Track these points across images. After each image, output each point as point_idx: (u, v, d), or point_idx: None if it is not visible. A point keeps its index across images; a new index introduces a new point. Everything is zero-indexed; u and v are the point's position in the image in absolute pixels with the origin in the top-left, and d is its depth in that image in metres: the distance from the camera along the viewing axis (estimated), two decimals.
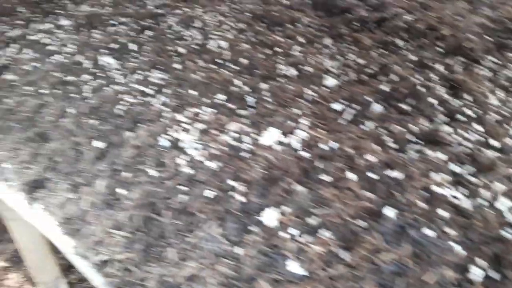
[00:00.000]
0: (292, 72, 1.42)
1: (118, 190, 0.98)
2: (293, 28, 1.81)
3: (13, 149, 1.27)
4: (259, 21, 1.93)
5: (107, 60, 1.48)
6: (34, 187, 1.14)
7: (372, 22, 1.80)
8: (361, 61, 1.46)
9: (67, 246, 1.01)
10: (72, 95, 1.35)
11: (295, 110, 1.12)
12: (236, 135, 1.04)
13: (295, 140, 0.98)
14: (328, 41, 1.69)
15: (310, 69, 1.42)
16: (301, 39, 1.69)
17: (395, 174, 0.86)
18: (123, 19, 1.93)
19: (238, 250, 0.81)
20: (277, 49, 1.57)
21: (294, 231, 0.80)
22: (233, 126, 1.07)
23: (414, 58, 1.45)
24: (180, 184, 0.94)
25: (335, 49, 1.62)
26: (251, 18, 1.94)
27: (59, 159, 1.14)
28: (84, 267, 0.95)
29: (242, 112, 1.17)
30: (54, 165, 1.14)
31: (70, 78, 1.42)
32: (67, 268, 2.20)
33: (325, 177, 0.87)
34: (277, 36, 1.69)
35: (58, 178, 1.11)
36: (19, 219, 1.62)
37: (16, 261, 2.36)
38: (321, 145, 0.96)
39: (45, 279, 1.85)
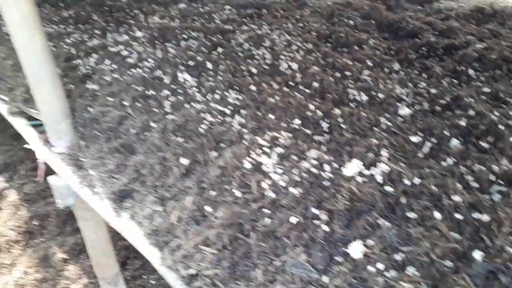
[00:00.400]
0: (363, 97, 1.44)
1: (206, 208, 1.04)
2: (360, 50, 1.84)
3: (99, 158, 1.37)
4: (325, 41, 1.97)
5: (185, 77, 1.56)
6: (121, 197, 1.22)
7: (440, 49, 1.80)
8: (432, 90, 1.46)
9: (153, 256, 1.08)
10: (154, 109, 1.43)
11: (374, 140, 1.15)
12: (317, 163, 1.08)
13: (377, 173, 1.01)
14: (396, 66, 1.70)
15: (382, 96, 1.44)
16: (369, 63, 1.71)
17: (482, 217, 0.87)
18: (193, 33, 2.02)
19: (326, 279, 0.85)
20: (346, 72, 1.61)
21: (381, 266, 0.83)
22: (312, 153, 1.11)
23: (487, 90, 1.44)
24: (264, 207, 0.99)
25: (404, 75, 1.63)
26: (317, 38, 1.98)
27: (145, 172, 1.22)
28: (172, 279, 1.01)
29: (319, 138, 1.21)
30: (140, 177, 1.23)
31: (150, 92, 1.51)
32: (122, 265, 2.31)
33: (411, 214, 0.90)
34: (345, 59, 1.72)
35: (145, 190, 1.19)
36: (89, 220, 1.73)
37: (74, 253, 2.50)
38: (405, 180, 0.99)
39: (106, 275, 1.96)
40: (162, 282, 2.34)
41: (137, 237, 1.13)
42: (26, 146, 1.66)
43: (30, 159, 3.12)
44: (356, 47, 1.87)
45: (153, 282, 2.31)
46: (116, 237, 1.87)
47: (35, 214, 2.72)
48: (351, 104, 1.42)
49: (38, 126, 1.76)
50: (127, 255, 2.43)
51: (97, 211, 1.30)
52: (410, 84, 1.53)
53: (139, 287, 2.26)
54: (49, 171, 1.62)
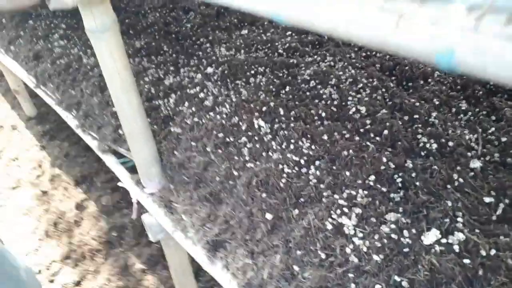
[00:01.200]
0: (433, 146, 1.50)
1: (294, 267, 1.18)
2: (425, 85, 1.88)
3: (190, 204, 1.54)
4: (390, 74, 2.02)
5: (260, 123, 1.69)
6: (213, 246, 1.38)
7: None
8: (503, 138, 1.50)
9: None
10: (234, 157, 1.58)
11: (448, 203, 1.22)
12: (395, 227, 1.18)
13: (454, 242, 1.10)
14: (464, 105, 1.73)
15: (451, 144, 1.50)
16: (436, 101, 1.76)
17: None
18: (260, 69, 2.14)
19: None
20: (415, 115, 1.66)
21: None
22: (391, 216, 1.21)
23: None
24: (349, 273, 1.11)
25: (472, 116, 1.66)
26: (381, 71, 2.04)
27: (234, 224, 1.37)
28: None
29: (395, 196, 1.30)
30: (230, 228, 1.38)
31: (230, 139, 1.65)
32: (195, 276, 2.51)
33: None
34: (412, 98, 1.78)
35: (236, 242, 1.34)
36: (172, 247, 1.92)
37: (151, 264, 2.75)
38: (481, 251, 1.07)
39: None
40: None
41: (230, 284, 1.29)
42: (119, 184, 1.86)
43: (104, 171, 3.40)
44: (421, 82, 1.91)
45: None
46: None
47: (113, 225, 2.99)
48: (422, 154, 1.48)
49: (126, 162, 1.97)
50: (198, 266, 2.62)
51: (191, 254, 1.47)
52: (479, 129, 1.57)
53: None
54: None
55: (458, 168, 1.39)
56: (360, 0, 0.44)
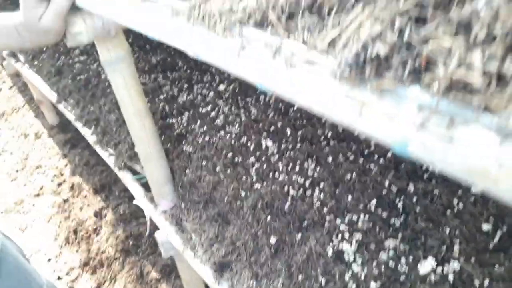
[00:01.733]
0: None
1: None
2: None
3: (199, 224, 1.60)
4: None
5: (267, 143, 1.75)
6: (220, 267, 1.45)
7: None
8: None
9: None
10: (243, 178, 1.64)
11: (446, 230, 1.26)
12: (393, 254, 1.22)
13: (449, 271, 1.13)
14: None
15: None
16: None
17: None
18: None
19: None
20: None
21: None
22: (390, 242, 1.25)
23: None
24: None
25: None
26: None
27: (240, 245, 1.44)
28: None
29: (395, 221, 1.34)
30: (236, 250, 1.44)
31: (239, 159, 1.72)
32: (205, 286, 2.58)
33: None
34: None
35: (241, 264, 1.40)
36: (184, 263, 2.00)
37: (165, 273, 2.84)
38: (475, 281, 1.10)
39: None
40: None
41: None
42: (134, 202, 1.95)
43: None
44: None
45: None
46: None
47: (130, 233, 3.10)
48: (424, 177, 1.51)
49: (142, 178, 2.06)
50: None
51: (198, 273, 1.54)
52: None
53: None
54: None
55: (459, 192, 1.41)
56: (329, 85, 0.49)
